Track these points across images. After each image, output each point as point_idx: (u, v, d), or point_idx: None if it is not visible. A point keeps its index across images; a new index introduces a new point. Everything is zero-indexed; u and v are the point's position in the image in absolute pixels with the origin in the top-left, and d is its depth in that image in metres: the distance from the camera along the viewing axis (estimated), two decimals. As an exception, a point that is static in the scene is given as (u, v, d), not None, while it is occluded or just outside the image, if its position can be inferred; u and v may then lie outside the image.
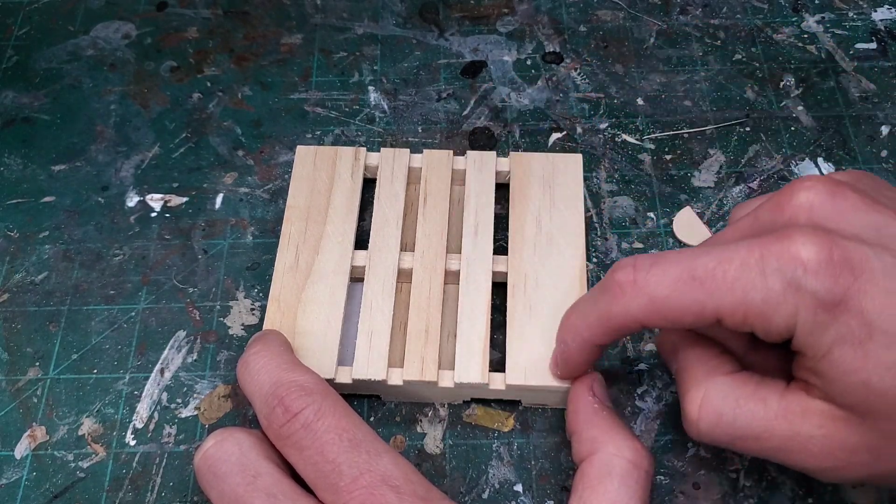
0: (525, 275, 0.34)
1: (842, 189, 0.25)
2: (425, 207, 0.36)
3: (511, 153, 0.37)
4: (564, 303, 0.33)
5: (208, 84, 0.43)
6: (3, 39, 0.45)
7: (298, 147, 0.38)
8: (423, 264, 0.34)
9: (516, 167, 0.37)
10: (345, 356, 0.33)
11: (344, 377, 0.32)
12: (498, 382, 0.32)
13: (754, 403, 0.26)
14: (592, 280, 0.36)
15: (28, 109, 0.42)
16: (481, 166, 0.37)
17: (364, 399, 0.34)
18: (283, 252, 0.35)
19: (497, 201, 0.37)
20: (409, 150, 0.38)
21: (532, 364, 0.32)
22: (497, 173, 0.37)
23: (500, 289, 0.35)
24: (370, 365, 0.32)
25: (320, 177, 0.37)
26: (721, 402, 0.26)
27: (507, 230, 0.35)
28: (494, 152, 0.37)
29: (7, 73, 0.44)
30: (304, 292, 0.34)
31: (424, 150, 0.38)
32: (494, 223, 0.36)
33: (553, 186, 0.36)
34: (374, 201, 0.36)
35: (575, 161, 0.37)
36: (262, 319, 0.35)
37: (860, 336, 0.23)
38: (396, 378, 0.32)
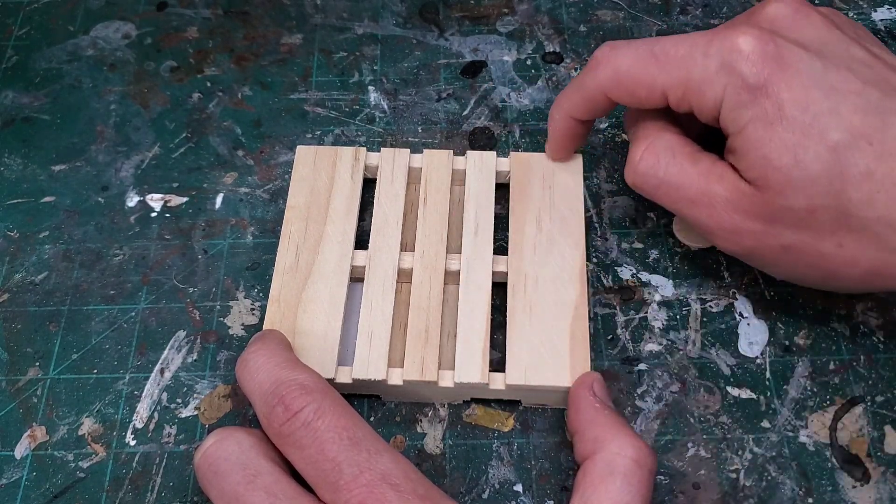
0: (525, 275, 0.34)
1: (807, 9, 0.30)
2: (425, 207, 0.36)
3: (511, 153, 0.37)
4: (564, 303, 0.33)
5: (208, 84, 0.43)
6: (3, 39, 0.45)
7: (298, 147, 0.38)
8: (423, 264, 0.34)
9: (516, 167, 0.37)
10: (345, 356, 0.33)
11: (344, 377, 0.32)
12: (498, 382, 0.32)
13: (688, 161, 0.31)
14: (592, 280, 0.36)
15: (28, 109, 0.42)
16: (481, 166, 0.37)
17: (364, 399, 0.34)
18: (283, 252, 0.35)
19: (497, 201, 0.37)
20: (409, 150, 0.38)
21: (532, 364, 0.32)
22: (497, 173, 0.37)
23: (500, 289, 0.35)
24: (370, 365, 0.32)
25: (320, 177, 0.37)
26: (662, 150, 0.31)
27: (507, 230, 0.35)
28: (494, 152, 0.37)
29: (7, 73, 0.44)
30: (304, 292, 0.34)
31: (424, 150, 0.38)
32: (494, 223, 0.36)
33: (553, 186, 0.36)
34: (374, 201, 0.36)
35: (575, 161, 0.37)
36: (262, 319, 0.35)
37: (771, 117, 0.27)
38: (396, 378, 0.32)
